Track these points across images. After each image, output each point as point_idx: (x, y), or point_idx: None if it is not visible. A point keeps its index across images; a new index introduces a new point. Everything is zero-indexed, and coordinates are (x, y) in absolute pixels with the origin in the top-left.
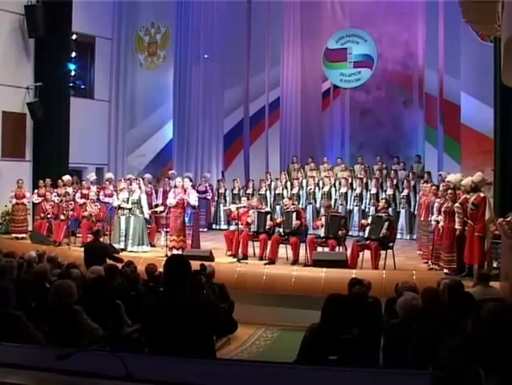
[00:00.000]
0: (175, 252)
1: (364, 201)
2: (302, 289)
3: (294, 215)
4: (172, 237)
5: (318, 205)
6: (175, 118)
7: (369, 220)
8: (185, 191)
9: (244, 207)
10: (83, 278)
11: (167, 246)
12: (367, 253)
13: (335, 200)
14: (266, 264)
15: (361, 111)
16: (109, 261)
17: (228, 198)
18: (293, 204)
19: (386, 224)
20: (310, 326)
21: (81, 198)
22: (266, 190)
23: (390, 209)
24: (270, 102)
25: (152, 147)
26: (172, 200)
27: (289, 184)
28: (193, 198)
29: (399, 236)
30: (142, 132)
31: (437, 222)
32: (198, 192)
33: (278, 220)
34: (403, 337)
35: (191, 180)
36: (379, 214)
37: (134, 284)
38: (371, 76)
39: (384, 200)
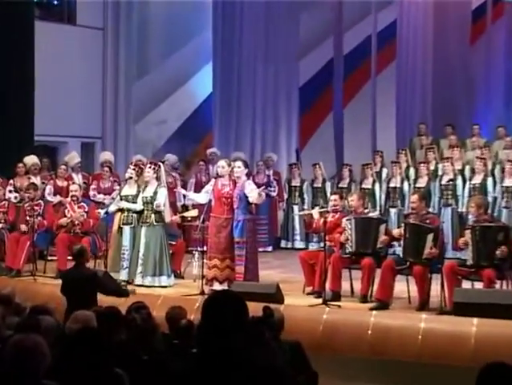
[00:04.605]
0: (217, 287)
1: None
2: (436, 353)
3: (431, 238)
4: (213, 261)
5: (462, 208)
6: (216, 59)
7: None
8: (235, 183)
9: (335, 211)
10: (59, 331)
11: (203, 277)
12: None
13: (494, 198)
14: (372, 309)
15: None
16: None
17: (306, 196)
18: (430, 214)
19: None
20: None
21: (55, 195)
22: (374, 182)
23: None
24: (380, 30)
25: (177, 108)
26: (202, 197)
27: (412, 171)
28: (251, 191)
29: None
30: (159, 84)
31: None
32: (256, 185)
33: (397, 233)
34: None
35: (246, 166)
36: None
37: (147, 341)
38: None
39: None
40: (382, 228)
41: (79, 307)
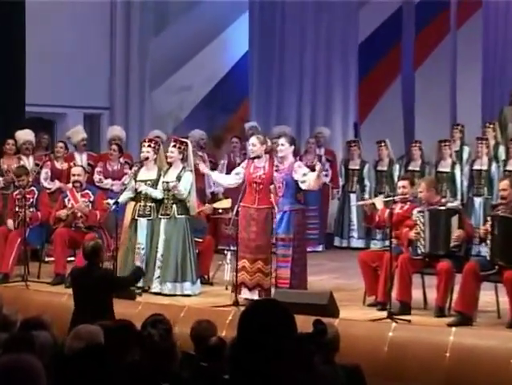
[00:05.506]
0: (246, 294)
1: None
2: None
3: None
4: (241, 262)
5: None
6: (254, 9)
7: None
8: (272, 165)
9: (404, 201)
10: (56, 349)
11: (235, 283)
12: None
13: None
14: (451, 324)
15: None
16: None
17: (368, 181)
18: None
19: None
20: None
21: (53, 180)
22: (454, 164)
23: None
24: None
25: (204, 71)
26: (229, 179)
27: (502, 149)
28: (305, 175)
29: None
30: (182, 40)
31: None
32: None
33: (483, 230)
34: None
35: (293, 143)
36: None
37: (167, 362)
38: None
39: None
40: (454, 220)
41: (92, 317)
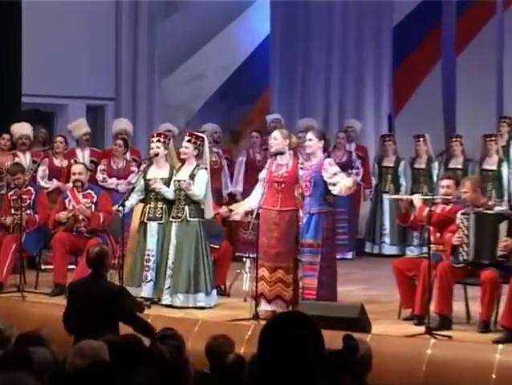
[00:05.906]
0: (265, 307)
1: None
2: None
3: None
4: (260, 270)
5: None
6: None
7: None
8: (297, 163)
9: (446, 202)
10: (57, 367)
11: (255, 294)
12: None
13: None
14: (497, 341)
15: None
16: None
17: (404, 180)
18: None
19: None
20: None
21: (51, 178)
22: (501, 161)
23: None
24: None
25: (219, 58)
26: (259, 195)
27: None
28: (334, 176)
29: None
30: (195, 23)
31: None
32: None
33: None
34: None
35: (322, 137)
36: None
37: (178, 382)
38: None
39: None
40: (503, 227)
41: (91, 335)
